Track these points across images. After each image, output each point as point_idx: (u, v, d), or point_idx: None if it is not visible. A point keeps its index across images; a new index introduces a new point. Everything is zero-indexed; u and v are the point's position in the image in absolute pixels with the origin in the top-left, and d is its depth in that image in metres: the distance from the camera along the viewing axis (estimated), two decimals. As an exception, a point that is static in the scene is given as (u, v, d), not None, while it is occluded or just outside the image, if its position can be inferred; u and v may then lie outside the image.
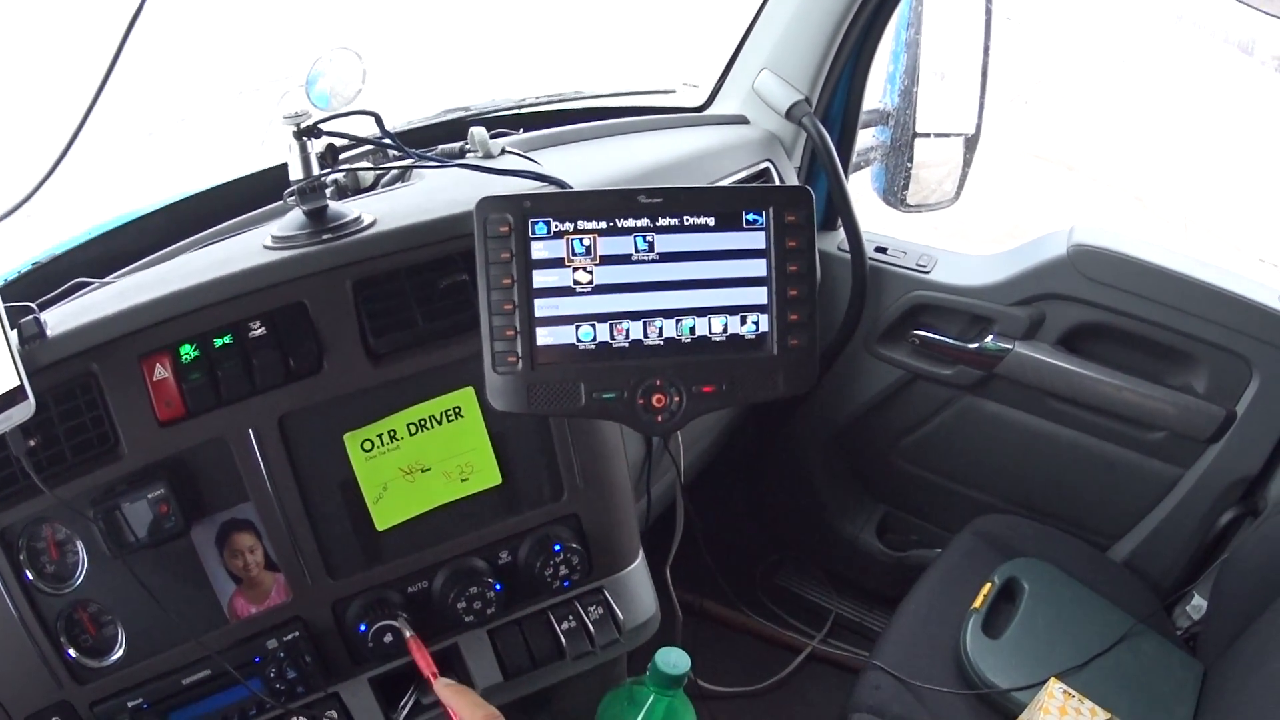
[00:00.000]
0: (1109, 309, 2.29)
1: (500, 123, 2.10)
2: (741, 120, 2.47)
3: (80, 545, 1.39)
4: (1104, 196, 7.61)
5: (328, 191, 1.52)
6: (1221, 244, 6.80)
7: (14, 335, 1.25)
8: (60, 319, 1.37)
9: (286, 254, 1.45)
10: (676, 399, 1.20)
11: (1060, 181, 7.71)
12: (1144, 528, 2.50)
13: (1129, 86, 9.50)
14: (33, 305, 1.35)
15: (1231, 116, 8.74)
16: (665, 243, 1.20)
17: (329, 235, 1.47)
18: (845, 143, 2.55)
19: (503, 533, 1.59)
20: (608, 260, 1.19)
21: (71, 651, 1.40)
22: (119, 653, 1.42)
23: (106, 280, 1.57)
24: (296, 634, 1.48)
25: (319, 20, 6.68)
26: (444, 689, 1.21)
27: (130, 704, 1.42)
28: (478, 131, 1.88)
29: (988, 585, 2.16)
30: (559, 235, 1.19)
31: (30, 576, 1.37)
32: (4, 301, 1.19)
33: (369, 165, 1.82)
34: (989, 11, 2.46)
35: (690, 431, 1.24)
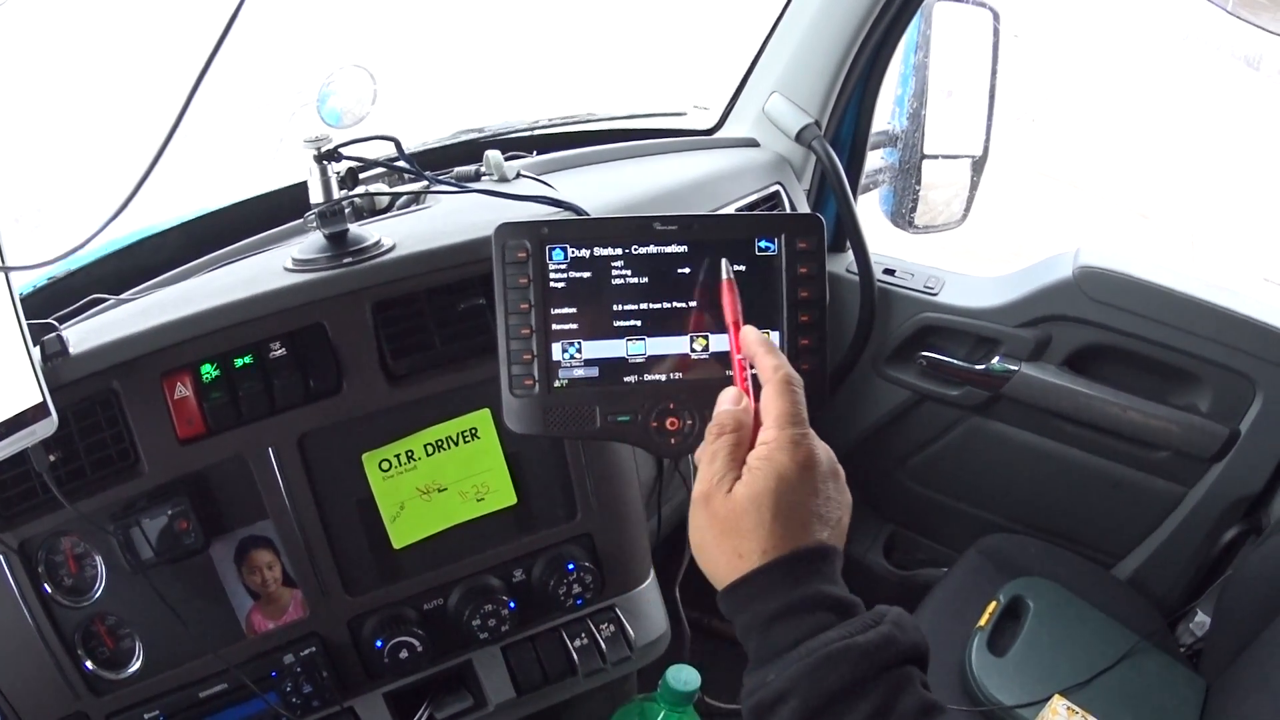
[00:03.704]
0: (1114, 330, 2.30)
1: (514, 144, 2.12)
2: (752, 143, 2.48)
3: (99, 559, 1.40)
4: (1110, 214, 7.61)
5: (346, 213, 1.54)
6: (1227, 261, 6.80)
7: (37, 352, 1.26)
8: (81, 336, 1.38)
9: (308, 276, 1.47)
10: (690, 422, 1.21)
11: (1067, 199, 7.72)
12: (1148, 546, 2.51)
13: (1135, 103, 9.51)
14: (54, 323, 1.37)
15: (1238, 132, 8.74)
16: (679, 270, 1.22)
17: (350, 259, 1.49)
18: (854, 165, 2.56)
19: (517, 551, 1.62)
20: (623, 287, 1.21)
21: (89, 664, 1.41)
22: (136, 665, 1.44)
23: (123, 297, 1.58)
24: (313, 649, 1.50)
25: (324, 37, 6.71)
26: (752, 331, 1.12)
27: (147, 716, 1.44)
28: (493, 155, 1.89)
29: (993, 603, 2.17)
30: (576, 261, 1.20)
31: (49, 589, 1.38)
32: (24, 317, 1.20)
33: (387, 189, 1.84)
34: (996, 32, 2.47)
35: (701, 453, 1.26)
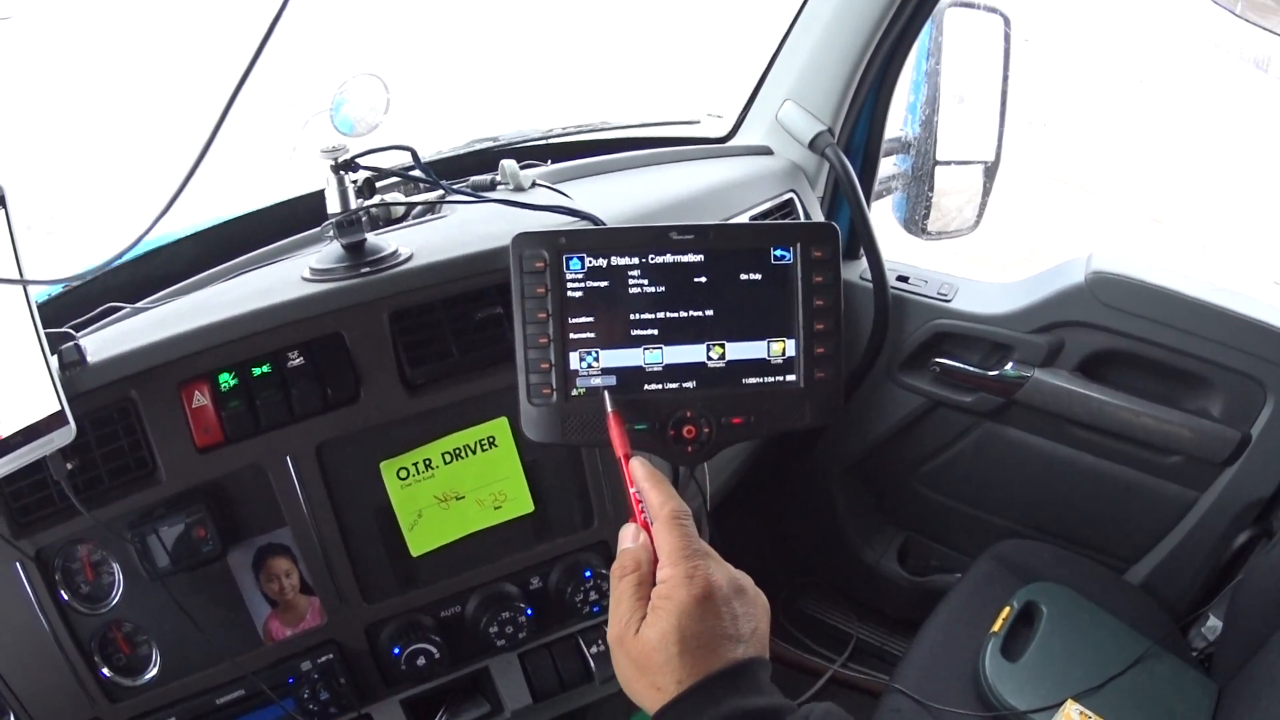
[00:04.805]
0: (1127, 335, 2.30)
1: (528, 153, 2.11)
2: (765, 151, 2.48)
3: (116, 566, 1.41)
4: (1122, 218, 7.59)
5: (363, 223, 1.54)
6: (1239, 265, 6.79)
7: (55, 361, 1.26)
8: (99, 345, 1.39)
9: (326, 286, 1.48)
10: (706, 430, 1.22)
11: (1078, 204, 7.70)
12: (1160, 550, 2.50)
13: (1145, 107, 9.49)
14: (72, 331, 1.37)
15: (1248, 134, 8.71)
16: (696, 279, 1.22)
17: (368, 269, 1.50)
18: (867, 172, 2.56)
19: (534, 559, 1.62)
20: (640, 296, 1.21)
21: (105, 670, 1.42)
22: (153, 672, 1.45)
23: (139, 305, 1.59)
24: (330, 656, 1.51)
25: (337, 45, 6.71)
26: (639, 468, 1.14)
27: (163, 722, 1.44)
28: (508, 164, 1.90)
29: (1006, 609, 2.17)
30: (593, 270, 1.21)
31: (66, 596, 1.39)
32: (41, 326, 1.21)
33: (403, 198, 1.84)
34: (1007, 37, 2.47)
35: (715, 460, 1.26)
